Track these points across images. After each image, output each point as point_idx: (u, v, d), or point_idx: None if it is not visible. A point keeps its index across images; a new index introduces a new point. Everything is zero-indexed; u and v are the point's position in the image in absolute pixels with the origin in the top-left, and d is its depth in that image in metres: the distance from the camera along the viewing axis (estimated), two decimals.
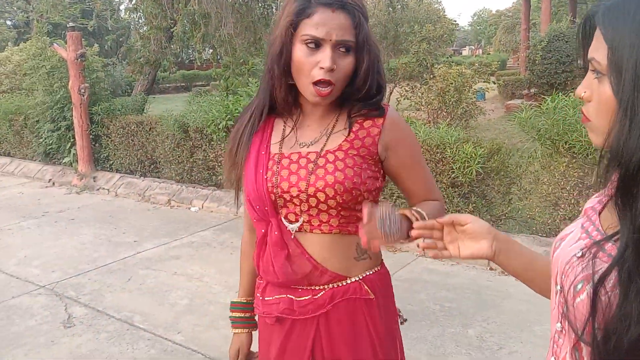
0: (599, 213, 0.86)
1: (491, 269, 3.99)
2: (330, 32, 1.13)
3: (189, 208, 6.12)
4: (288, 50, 1.18)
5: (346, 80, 1.21)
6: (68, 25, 7.63)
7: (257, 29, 9.18)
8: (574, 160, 4.03)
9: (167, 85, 25.93)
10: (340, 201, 1.21)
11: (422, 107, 10.02)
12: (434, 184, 1.37)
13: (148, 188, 6.78)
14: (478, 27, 62.86)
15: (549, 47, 12.88)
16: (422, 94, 10.01)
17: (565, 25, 13.42)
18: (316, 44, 1.14)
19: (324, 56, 1.14)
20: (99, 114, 7.58)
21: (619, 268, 0.71)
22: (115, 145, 7.51)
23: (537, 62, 12.96)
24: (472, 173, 4.31)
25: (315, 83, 1.17)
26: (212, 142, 6.14)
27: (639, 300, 0.68)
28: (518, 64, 22.16)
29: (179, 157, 6.55)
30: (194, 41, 8.20)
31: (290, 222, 1.25)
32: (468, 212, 4.51)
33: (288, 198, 1.23)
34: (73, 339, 3.24)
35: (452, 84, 9.34)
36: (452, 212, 4.55)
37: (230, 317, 1.51)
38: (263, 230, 1.28)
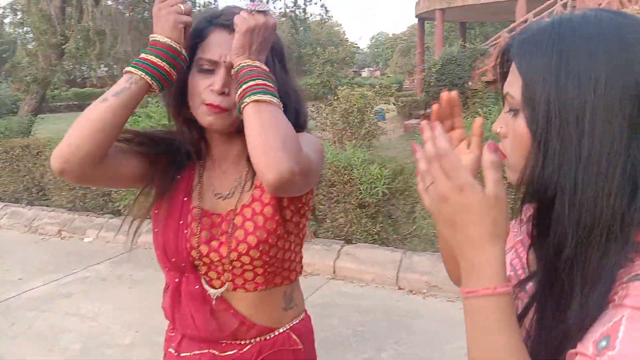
0: (529, 248, 0.84)
1: (400, 288, 4.05)
2: (224, 54, 1.03)
3: (82, 239, 5.66)
4: (185, 77, 1.07)
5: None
6: None
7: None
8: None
9: (59, 103, 24.41)
10: (267, 259, 1.10)
11: (327, 128, 10.17)
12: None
13: (36, 218, 6.20)
14: (376, 50, 65.64)
15: (443, 70, 13.67)
16: (327, 114, 10.17)
17: (456, 49, 14.31)
18: (209, 67, 1.05)
19: (216, 78, 1.04)
20: None
21: (535, 305, 0.70)
22: None
23: (432, 84, 13.71)
24: (378, 194, 4.38)
25: (207, 104, 1.06)
26: None
27: (546, 338, 0.68)
28: (414, 85, 23.34)
29: (70, 182, 6.07)
30: (87, 59, 7.72)
31: (210, 280, 1.12)
32: (375, 233, 4.57)
33: (208, 262, 1.10)
34: None
35: (355, 105, 9.58)
36: (360, 233, 4.62)
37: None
38: (177, 280, 1.14)
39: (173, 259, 1.12)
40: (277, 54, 1.09)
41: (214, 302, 1.11)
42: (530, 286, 0.75)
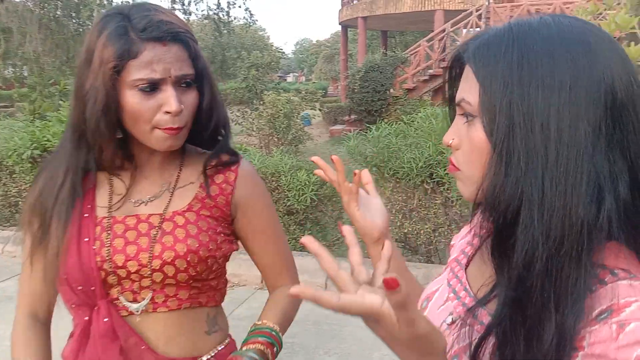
0: (466, 267, 0.80)
1: None
2: (168, 69, 0.93)
3: None
4: (115, 102, 0.94)
5: (192, 118, 1.01)
6: None
7: (71, 47, 8.35)
8: (398, 185, 4.28)
9: None
10: (194, 273, 1.00)
11: (253, 133, 10.05)
12: (289, 260, 1.18)
13: None
14: (301, 56, 66.06)
15: (366, 77, 13.94)
16: (253, 119, 10.05)
17: (378, 57, 14.65)
18: (152, 86, 0.93)
19: (168, 97, 0.94)
20: None
21: (496, 331, 0.63)
22: None
23: (355, 90, 13.93)
24: (306, 200, 4.34)
25: (160, 127, 0.97)
26: (15, 175, 5.34)
27: None
28: (338, 92, 23.67)
29: None
30: None
31: (132, 299, 1.01)
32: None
33: (124, 274, 0.98)
34: None
35: (281, 110, 9.54)
36: (288, 241, 4.56)
37: None
38: (86, 318, 1.00)
39: (79, 287, 0.98)
40: (208, 82, 1.03)
41: (137, 318, 1.00)
42: (481, 312, 0.69)
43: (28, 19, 6.77)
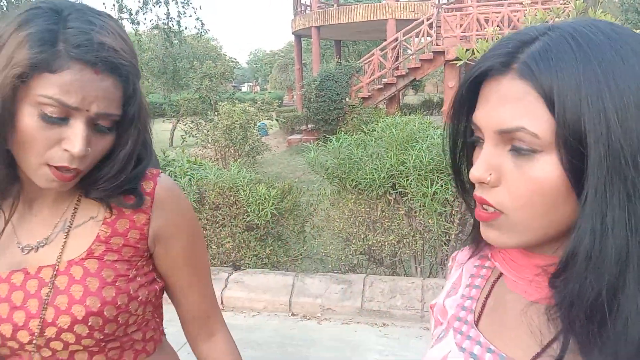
0: (476, 323, 0.67)
1: (293, 314, 3.87)
2: (89, 101, 0.74)
3: None
4: (10, 113, 0.73)
5: (95, 163, 0.82)
6: None
7: None
8: (361, 197, 4.18)
9: None
10: (101, 337, 0.82)
11: (208, 145, 9.79)
12: (215, 302, 1.01)
13: None
14: (255, 65, 65.78)
15: (321, 86, 13.93)
16: (208, 131, 9.81)
17: (333, 66, 14.66)
18: (60, 115, 0.74)
19: (74, 135, 0.74)
20: None
21: None
22: None
23: (312, 100, 13.91)
24: (267, 215, 4.18)
25: (52, 166, 0.77)
26: None
27: None
28: (294, 101, 23.59)
29: None
30: None
31: None
32: (265, 256, 4.36)
33: (17, 346, 0.80)
34: None
35: (237, 121, 9.34)
36: (249, 258, 4.38)
37: None
38: None
39: None
40: (136, 129, 0.83)
41: None
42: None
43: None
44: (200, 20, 11.43)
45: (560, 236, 0.55)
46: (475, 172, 0.56)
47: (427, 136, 4.01)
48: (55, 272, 0.81)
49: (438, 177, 3.82)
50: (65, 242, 0.83)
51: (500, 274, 0.66)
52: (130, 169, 0.83)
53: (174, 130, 12.94)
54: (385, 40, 14.98)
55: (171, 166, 4.73)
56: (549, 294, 0.54)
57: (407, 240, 4.08)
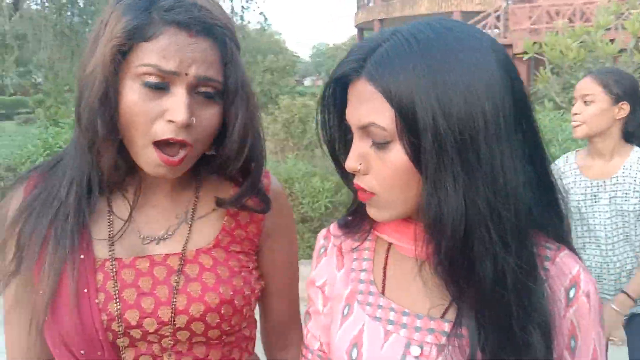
0: (382, 293, 0.73)
1: None
2: (186, 64, 0.71)
3: None
4: (115, 89, 0.72)
5: (209, 142, 0.79)
6: None
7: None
8: None
9: None
10: (227, 328, 0.80)
11: (268, 138, 9.96)
12: (298, 313, 0.96)
13: None
14: (318, 59, 66.11)
15: None
16: (268, 124, 9.96)
17: None
18: (161, 82, 0.72)
19: (175, 102, 0.71)
20: None
21: (483, 348, 0.62)
22: None
23: None
24: (321, 207, 4.21)
25: (158, 144, 0.73)
26: None
27: None
28: None
29: None
30: (5, 65, 7.18)
31: None
32: None
33: (139, 336, 0.76)
34: None
35: (296, 115, 9.43)
36: (303, 249, 4.43)
37: None
38: None
39: (82, 352, 0.76)
40: (244, 100, 0.79)
41: None
42: (440, 325, 0.67)
43: (42, 26, 6.78)
44: (264, 15, 11.65)
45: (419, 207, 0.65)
46: (348, 163, 0.67)
47: None
48: (183, 260, 0.80)
49: None
50: (189, 232, 0.82)
51: (389, 246, 0.75)
52: (249, 150, 0.81)
53: None
54: None
55: None
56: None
57: None
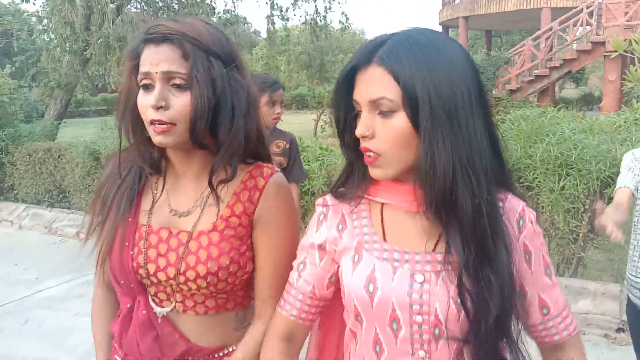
0: (384, 240, 0.93)
1: None
2: (155, 64, 0.99)
3: None
4: (134, 95, 1.04)
5: (188, 121, 1.01)
6: None
7: None
8: None
9: (87, 108, 24.94)
10: (214, 290, 1.06)
11: None
12: (279, 294, 1.08)
13: (55, 220, 6.34)
14: None
15: None
16: None
17: (480, 57, 14.17)
18: (147, 84, 1.01)
19: (152, 93, 1.00)
20: (4, 140, 7.08)
21: (466, 268, 0.83)
22: (20, 173, 7.03)
23: None
24: None
25: (152, 123, 1.01)
26: None
27: (489, 287, 0.83)
28: None
29: (89, 186, 6.19)
30: (108, 65, 7.88)
31: (160, 302, 1.09)
32: None
33: (155, 281, 1.07)
34: None
35: None
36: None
37: None
38: (128, 305, 1.11)
39: (122, 281, 1.09)
40: (205, 85, 1.00)
41: (159, 320, 1.08)
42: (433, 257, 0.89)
43: (142, 28, 7.37)
44: (345, 15, 11.81)
45: (414, 167, 0.86)
46: (358, 131, 0.87)
47: (558, 130, 3.84)
48: (189, 237, 1.06)
49: (567, 172, 3.67)
50: (200, 216, 1.07)
51: (382, 205, 0.96)
52: (233, 128, 1.02)
53: (317, 121, 13.57)
54: (540, 29, 14.08)
55: (305, 152, 5.10)
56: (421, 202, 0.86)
57: None
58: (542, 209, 3.87)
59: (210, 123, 1.02)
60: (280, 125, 2.87)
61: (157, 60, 0.99)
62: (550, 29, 13.37)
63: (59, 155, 6.60)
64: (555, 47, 13.44)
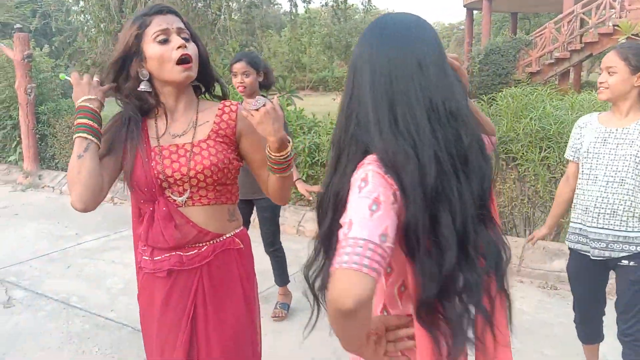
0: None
1: None
2: (171, 24, 1.47)
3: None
4: (141, 57, 1.49)
5: (197, 63, 1.51)
6: (15, 26, 7.72)
7: (208, 35, 9.49)
8: None
9: None
10: (216, 178, 1.51)
11: None
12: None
13: None
14: None
15: (486, 60, 13.70)
16: None
17: (501, 40, 14.28)
18: (165, 38, 1.45)
19: (175, 39, 1.46)
20: (45, 114, 7.72)
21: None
22: (61, 144, 7.66)
23: (474, 73, 13.77)
24: None
25: (178, 63, 1.45)
26: None
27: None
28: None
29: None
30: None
31: (179, 196, 1.51)
32: None
33: (172, 181, 1.49)
34: (12, 317, 3.49)
35: None
36: None
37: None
38: (151, 209, 1.52)
39: (146, 189, 1.50)
40: (200, 43, 1.56)
41: (178, 208, 1.51)
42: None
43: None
44: None
45: None
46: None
47: (541, 107, 4.21)
48: (192, 145, 1.52)
49: (547, 144, 4.04)
50: (194, 132, 1.55)
51: None
52: (211, 71, 1.60)
53: (335, 101, 13.98)
54: (562, 12, 14.08)
55: (317, 126, 5.55)
56: None
57: (516, 203, 4.36)
58: (526, 178, 4.26)
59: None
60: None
61: (171, 21, 1.49)
62: (572, 12, 13.38)
63: None
64: (577, 30, 13.45)
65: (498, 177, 4.50)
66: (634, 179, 2.13)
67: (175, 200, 1.52)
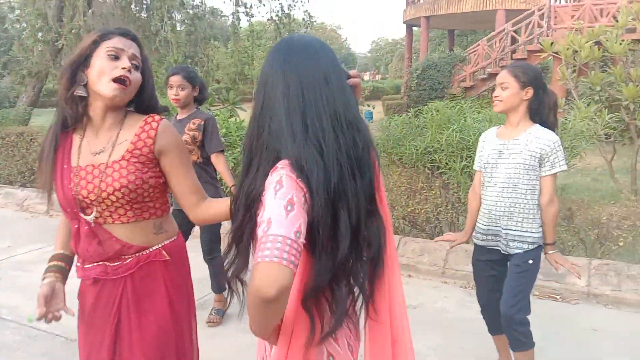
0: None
1: None
2: (128, 48, 1.54)
3: None
4: (87, 62, 1.52)
5: (135, 91, 1.57)
6: None
7: (151, 44, 9.45)
8: (405, 169, 4.78)
9: None
10: (129, 199, 1.53)
11: None
12: (199, 185, 1.66)
13: (27, 198, 6.82)
14: (376, 54, 66.07)
15: (423, 75, 14.29)
16: None
17: (437, 55, 14.92)
18: (116, 56, 1.51)
19: (124, 61, 1.52)
20: None
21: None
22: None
23: (412, 88, 14.32)
24: None
25: (114, 80, 1.49)
26: None
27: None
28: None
29: None
30: None
31: (96, 218, 1.55)
32: None
33: (88, 201, 1.54)
34: None
35: None
36: None
37: (48, 266, 1.70)
38: (76, 226, 1.58)
39: (68, 209, 1.56)
40: (150, 73, 1.64)
41: (92, 224, 1.55)
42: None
43: (111, 21, 7.82)
44: (308, 13, 12.37)
45: None
46: None
47: (461, 119, 4.53)
48: (106, 166, 1.53)
49: (467, 154, 4.35)
50: (112, 151, 1.56)
51: None
52: (154, 98, 1.65)
53: None
54: (494, 30, 14.90)
55: None
56: None
57: (441, 209, 4.64)
58: (450, 186, 4.56)
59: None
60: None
61: (129, 46, 1.57)
62: (504, 30, 14.18)
63: (30, 139, 7.06)
64: (508, 47, 14.26)
65: (425, 185, 4.82)
66: (525, 184, 2.46)
67: (91, 224, 1.57)
